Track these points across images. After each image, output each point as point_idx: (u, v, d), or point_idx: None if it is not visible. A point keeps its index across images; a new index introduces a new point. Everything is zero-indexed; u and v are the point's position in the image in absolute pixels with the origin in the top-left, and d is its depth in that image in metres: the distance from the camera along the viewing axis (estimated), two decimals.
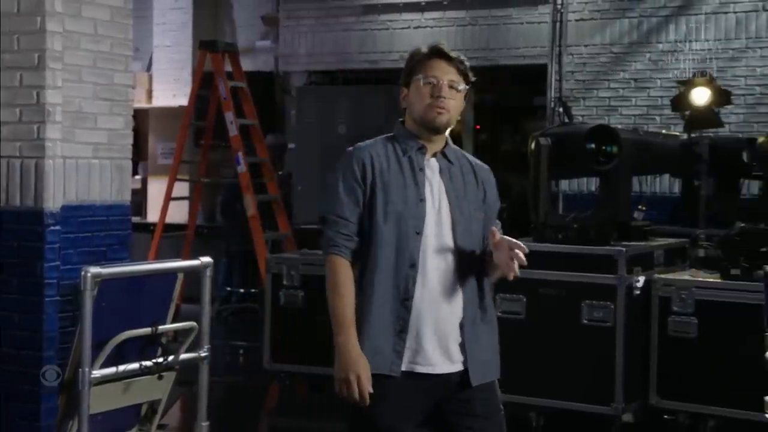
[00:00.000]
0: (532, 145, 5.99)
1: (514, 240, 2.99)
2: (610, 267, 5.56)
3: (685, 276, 5.76)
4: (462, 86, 3.12)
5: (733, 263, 5.52)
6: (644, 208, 6.38)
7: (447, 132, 3.16)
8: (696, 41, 8.37)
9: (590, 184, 7.99)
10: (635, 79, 8.61)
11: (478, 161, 3.25)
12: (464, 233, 3.07)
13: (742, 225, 5.70)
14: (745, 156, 7.06)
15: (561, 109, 7.98)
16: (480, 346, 3.07)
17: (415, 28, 9.66)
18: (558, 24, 8.30)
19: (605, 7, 8.77)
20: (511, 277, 2.98)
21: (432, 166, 3.12)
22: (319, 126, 9.78)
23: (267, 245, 8.62)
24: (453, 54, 3.15)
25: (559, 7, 8.31)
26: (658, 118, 8.35)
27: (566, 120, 7.87)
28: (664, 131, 7.40)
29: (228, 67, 9.09)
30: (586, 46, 8.76)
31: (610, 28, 8.75)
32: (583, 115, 8.59)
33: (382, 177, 3.06)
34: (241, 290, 9.45)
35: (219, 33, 10.79)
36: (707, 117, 6.76)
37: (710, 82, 6.76)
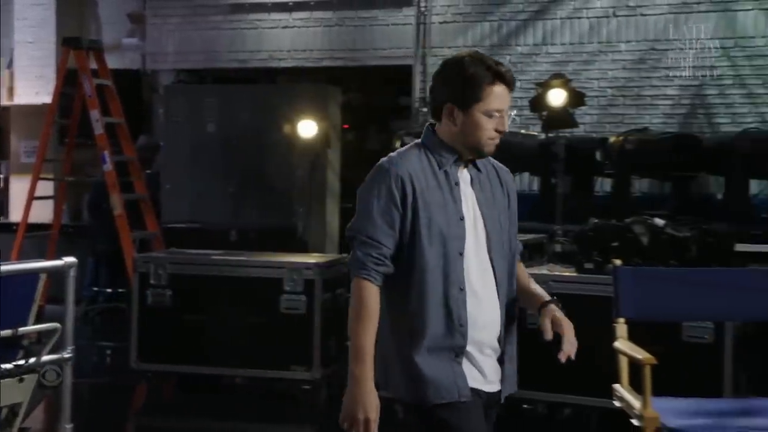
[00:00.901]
0: (398, 145, 6.12)
1: (572, 336, 2.91)
2: None
3: (543, 270, 5.96)
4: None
5: (587, 257, 5.72)
6: None
7: None
8: (552, 45, 8.67)
9: None
10: None
11: (499, 164, 3.03)
12: (497, 245, 2.92)
13: (596, 221, 5.91)
14: (598, 155, 7.38)
15: (426, 109, 8.14)
16: (511, 360, 3.00)
17: (283, 27, 9.70)
18: (422, 26, 8.48)
19: (467, 10, 8.99)
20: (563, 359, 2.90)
21: (464, 178, 2.92)
22: (188, 125, 9.71)
23: (134, 244, 8.52)
24: (514, 80, 2.88)
25: (422, 9, 8.48)
26: (518, 118, 8.59)
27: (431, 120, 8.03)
28: (523, 131, 7.65)
29: (93, 65, 8.94)
30: (449, 47, 8.93)
31: (471, 31, 8.97)
32: None
33: (423, 196, 2.83)
34: (109, 290, 9.30)
35: (84, 30, 10.58)
36: (563, 118, 7.01)
37: (565, 84, 7.01)
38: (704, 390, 4.24)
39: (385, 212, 2.83)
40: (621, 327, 3.90)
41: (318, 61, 9.47)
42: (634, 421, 3.50)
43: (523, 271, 3.08)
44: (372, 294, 2.82)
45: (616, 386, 3.82)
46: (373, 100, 10.25)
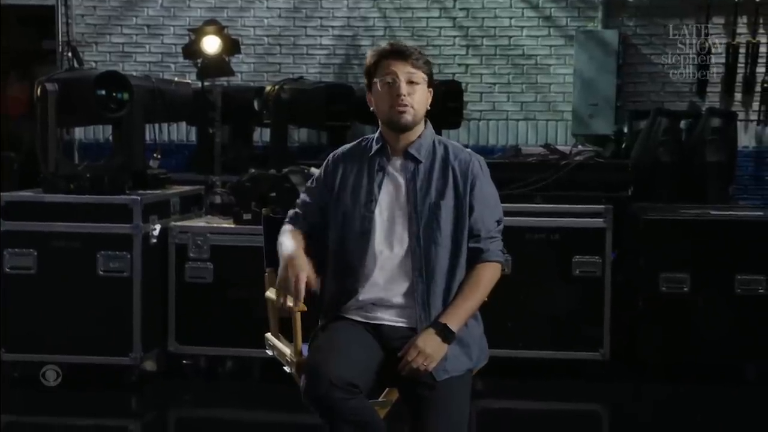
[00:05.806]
0: (38, 91, 5.71)
1: (411, 354, 3.05)
2: (126, 216, 5.49)
3: (201, 223, 5.86)
4: (422, 78, 3.16)
5: (245, 208, 5.71)
6: (159, 156, 6.37)
7: (421, 125, 3.22)
8: None
9: (107, 132, 7.77)
10: (148, 25, 8.47)
11: (462, 154, 3.22)
12: (422, 233, 3.12)
13: (254, 171, 5.90)
14: (256, 104, 7.33)
15: (70, 54, 7.64)
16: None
17: None
18: None
19: None
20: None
21: (395, 165, 3.20)
22: None
23: None
24: (408, 50, 3.20)
25: None
26: (173, 65, 8.31)
27: (76, 65, 7.56)
28: (176, 79, 7.38)
29: None
30: None
31: None
32: (96, 61, 8.30)
33: (343, 180, 3.23)
34: None
35: None
36: (219, 65, 6.84)
37: (220, 30, 6.83)
38: None
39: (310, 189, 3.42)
40: (271, 276, 3.84)
41: None
42: (287, 368, 3.48)
43: (469, 283, 3.13)
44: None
45: (267, 335, 3.79)
46: (11, 43, 9.50)
